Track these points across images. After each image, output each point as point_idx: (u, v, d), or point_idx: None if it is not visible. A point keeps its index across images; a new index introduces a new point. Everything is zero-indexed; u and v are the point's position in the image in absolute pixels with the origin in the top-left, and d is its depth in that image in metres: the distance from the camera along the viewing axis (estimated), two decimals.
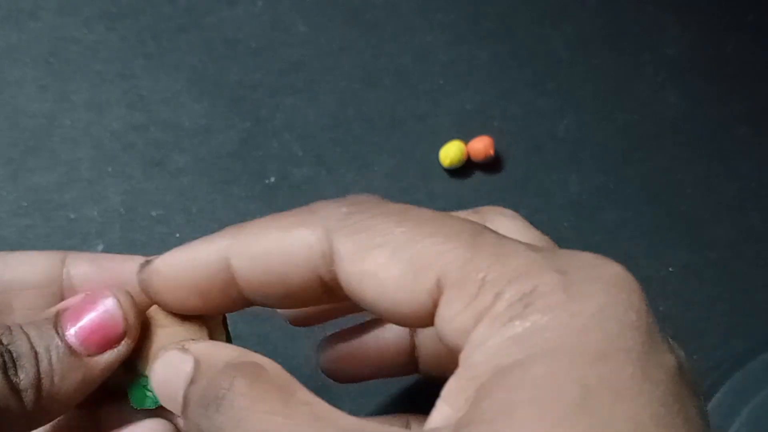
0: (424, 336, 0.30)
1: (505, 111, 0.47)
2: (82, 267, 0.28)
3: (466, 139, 0.45)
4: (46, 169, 0.43)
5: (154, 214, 0.43)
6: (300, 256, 0.23)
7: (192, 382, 0.24)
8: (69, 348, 0.25)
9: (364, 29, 0.49)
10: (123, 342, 0.26)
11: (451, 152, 0.45)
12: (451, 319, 0.20)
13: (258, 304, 0.26)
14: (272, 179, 0.44)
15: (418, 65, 0.48)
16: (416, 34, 0.49)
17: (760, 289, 0.44)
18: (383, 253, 0.21)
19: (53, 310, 0.26)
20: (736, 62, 0.50)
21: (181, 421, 0.27)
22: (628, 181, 0.46)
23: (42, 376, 0.24)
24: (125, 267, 0.28)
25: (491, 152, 0.45)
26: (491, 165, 0.46)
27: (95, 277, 0.28)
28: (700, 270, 0.45)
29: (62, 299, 0.27)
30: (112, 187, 0.43)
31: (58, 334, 0.25)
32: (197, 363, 0.24)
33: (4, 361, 0.24)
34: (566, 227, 0.45)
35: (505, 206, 0.45)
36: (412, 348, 0.31)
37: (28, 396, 0.24)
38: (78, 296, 0.27)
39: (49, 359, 0.25)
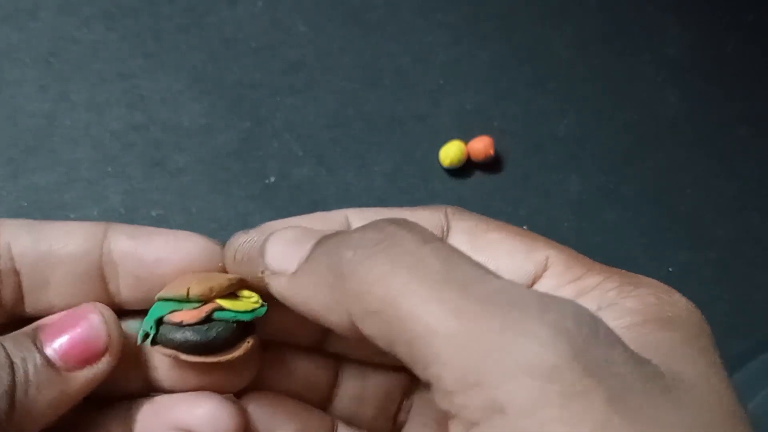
0: None
1: (505, 111, 0.47)
2: (123, 241, 0.26)
3: (466, 139, 0.45)
4: (46, 169, 0.43)
5: (154, 214, 0.43)
6: (424, 224, 0.24)
7: (334, 234, 0.22)
8: (47, 360, 0.24)
9: (364, 29, 0.49)
10: (104, 358, 0.24)
11: (451, 152, 0.45)
12: (554, 288, 0.23)
13: None
14: (272, 179, 0.44)
15: (418, 65, 0.48)
16: (416, 34, 0.49)
17: (760, 289, 0.44)
18: (498, 234, 0.25)
19: (32, 325, 0.25)
20: (736, 62, 0.50)
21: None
22: (628, 181, 0.46)
23: (17, 386, 0.23)
24: (167, 243, 0.26)
25: (491, 152, 0.45)
26: (491, 165, 0.46)
27: (136, 252, 0.26)
28: (700, 270, 0.45)
29: (101, 275, 0.26)
30: (112, 187, 0.43)
31: (36, 346, 0.24)
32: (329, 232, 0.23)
33: None
34: (566, 227, 0.45)
35: (505, 206, 0.45)
36: None
37: (1, 406, 0.23)
38: (59, 314, 0.25)
39: (26, 370, 0.23)
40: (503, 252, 0.24)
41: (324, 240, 0.22)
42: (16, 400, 0.23)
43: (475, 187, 0.45)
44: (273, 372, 0.27)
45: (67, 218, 0.42)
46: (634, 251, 0.45)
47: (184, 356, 0.24)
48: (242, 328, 0.24)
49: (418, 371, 0.20)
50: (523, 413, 0.18)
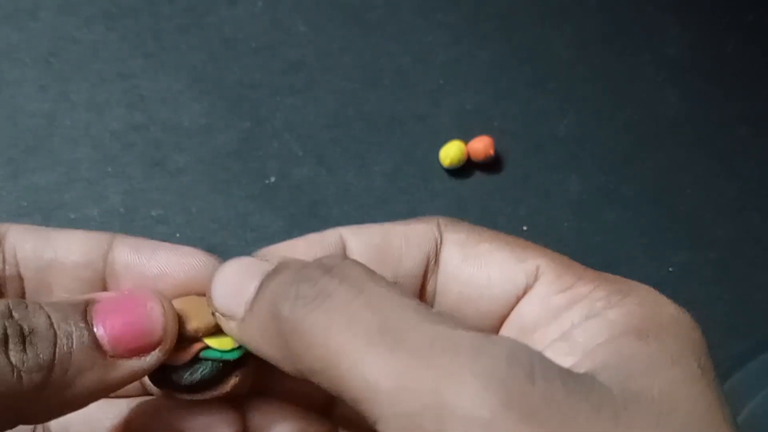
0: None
1: (505, 111, 0.47)
2: (126, 254, 0.25)
3: (466, 139, 0.45)
4: (46, 169, 0.43)
5: (154, 214, 0.43)
6: (416, 238, 0.26)
7: (274, 273, 0.22)
8: (95, 341, 0.22)
9: (364, 29, 0.49)
10: (155, 351, 0.23)
11: (451, 152, 0.45)
12: (544, 298, 0.24)
13: None
14: (272, 179, 0.44)
15: (418, 65, 0.48)
16: (416, 34, 0.49)
17: (760, 289, 0.44)
18: (489, 244, 0.25)
19: (84, 296, 0.24)
20: (736, 62, 0.50)
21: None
22: (628, 181, 0.46)
23: (56, 363, 0.21)
24: (169, 257, 0.25)
25: (491, 152, 0.45)
26: (491, 165, 0.46)
27: (139, 266, 0.25)
28: (700, 270, 0.45)
29: (103, 286, 0.25)
30: (112, 187, 0.43)
31: (85, 323, 0.22)
32: (282, 262, 0.23)
33: (6, 336, 0.21)
34: (566, 227, 0.45)
35: (505, 206, 0.45)
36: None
37: (33, 379, 0.21)
38: (117, 291, 0.24)
39: (70, 346, 0.22)
40: (494, 262, 0.25)
41: (265, 283, 0.22)
42: (52, 378, 0.21)
43: (475, 187, 0.45)
44: (273, 377, 0.26)
45: (67, 218, 0.42)
46: (634, 251, 0.45)
47: (178, 395, 0.24)
48: (231, 364, 0.24)
49: (371, 423, 0.20)
50: None
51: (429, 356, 0.19)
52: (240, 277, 0.23)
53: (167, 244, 0.26)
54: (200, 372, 0.24)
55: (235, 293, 0.23)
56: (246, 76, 0.47)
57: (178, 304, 0.25)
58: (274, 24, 0.48)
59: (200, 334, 0.24)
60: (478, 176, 0.46)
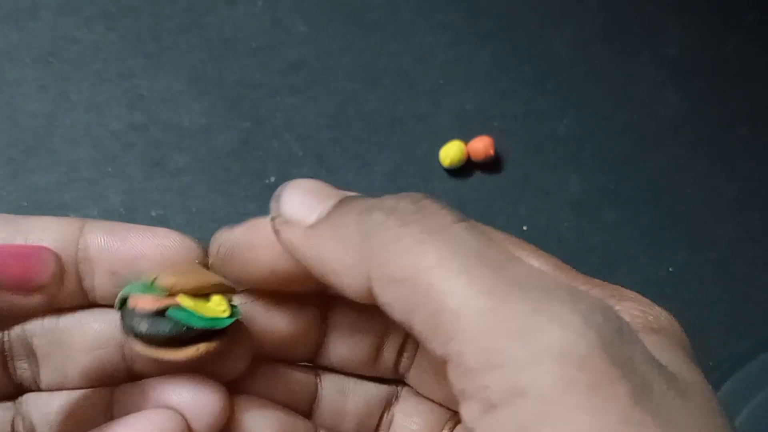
0: None
1: (505, 111, 0.47)
2: (99, 237, 0.25)
3: (466, 139, 0.45)
4: (46, 169, 0.43)
5: (154, 214, 0.43)
6: None
7: (348, 198, 0.22)
8: None
9: (364, 29, 0.49)
10: (39, 295, 0.22)
11: (451, 152, 0.45)
12: None
13: None
14: (272, 179, 0.44)
15: (418, 65, 0.48)
16: (416, 34, 0.49)
17: (760, 289, 0.44)
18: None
19: None
20: (736, 62, 0.50)
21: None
22: (628, 181, 0.46)
23: None
24: (143, 240, 0.25)
25: (491, 152, 0.45)
26: (491, 165, 0.46)
27: (113, 248, 0.25)
28: (700, 270, 0.45)
29: (76, 271, 0.25)
30: (112, 187, 0.43)
31: None
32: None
33: None
34: (566, 227, 0.45)
35: (505, 206, 0.45)
36: None
37: None
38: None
39: None
40: None
41: (349, 200, 0.22)
42: None
43: (475, 187, 0.45)
44: (253, 382, 0.26)
45: None
46: (634, 251, 0.45)
47: (135, 343, 0.23)
48: (200, 332, 0.23)
49: (436, 345, 0.19)
50: (546, 399, 0.17)
51: (528, 288, 0.19)
52: (318, 190, 0.23)
53: (140, 226, 0.25)
54: (160, 327, 0.23)
55: (308, 201, 0.22)
56: (246, 76, 0.47)
57: (174, 265, 0.24)
58: (274, 24, 0.48)
59: (177, 289, 0.23)
60: (478, 176, 0.46)
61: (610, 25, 0.50)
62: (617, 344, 0.18)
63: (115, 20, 0.47)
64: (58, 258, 0.23)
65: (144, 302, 0.23)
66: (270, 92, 0.46)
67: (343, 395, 0.27)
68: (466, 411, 0.19)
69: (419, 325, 0.19)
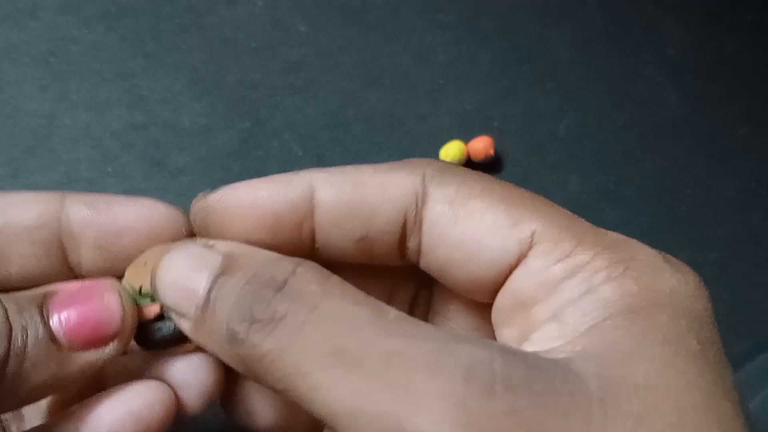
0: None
1: (505, 111, 0.47)
2: (81, 211, 0.24)
3: (466, 139, 0.45)
4: (46, 169, 0.43)
5: None
6: (393, 192, 0.24)
7: (223, 273, 0.21)
8: (50, 334, 0.22)
9: (364, 29, 0.49)
10: (113, 343, 0.23)
11: (451, 152, 0.45)
12: (540, 270, 0.22)
13: (320, 257, 0.24)
14: None
15: (418, 65, 0.48)
16: (416, 34, 0.49)
17: (760, 289, 0.44)
18: (482, 203, 0.23)
19: (41, 290, 0.23)
20: (736, 62, 0.50)
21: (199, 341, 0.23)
22: (628, 181, 0.46)
23: (10, 357, 0.21)
24: (128, 212, 0.24)
25: (491, 152, 0.45)
26: (491, 165, 0.46)
27: (97, 222, 0.24)
28: (700, 270, 0.44)
29: (60, 246, 0.24)
30: (112, 187, 0.43)
31: (41, 316, 0.22)
32: (229, 256, 0.22)
33: None
34: None
35: None
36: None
37: None
38: (74, 283, 0.24)
39: (24, 340, 0.21)
40: (485, 227, 0.23)
41: (216, 291, 0.21)
42: (7, 373, 0.21)
43: None
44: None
45: None
46: None
47: (141, 348, 0.24)
48: None
49: None
50: None
51: (386, 376, 0.19)
52: (187, 271, 0.22)
53: (123, 197, 0.25)
54: (162, 331, 0.24)
55: (183, 290, 0.22)
56: (246, 76, 0.47)
57: (143, 257, 0.24)
58: (274, 24, 0.48)
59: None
60: None
61: (610, 25, 0.50)
62: (486, 407, 0.18)
63: (115, 20, 0.47)
64: (124, 297, 0.23)
65: (145, 312, 0.24)
66: (270, 92, 0.46)
67: None
68: None
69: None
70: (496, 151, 0.45)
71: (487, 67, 0.48)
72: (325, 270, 0.21)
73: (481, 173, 0.24)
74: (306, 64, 0.47)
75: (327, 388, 0.19)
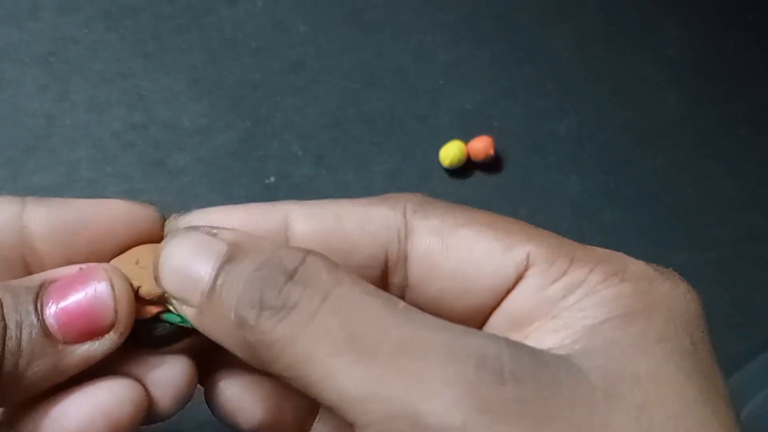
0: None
1: (505, 111, 0.47)
2: (41, 213, 0.24)
3: (466, 139, 0.45)
4: (46, 169, 0.43)
5: None
6: (373, 227, 0.24)
7: (229, 259, 0.21)
8: (45, 329, 0.21)
9: (364, 29, 0.49)
10: (108, 335, 0.22)
11: (451, 152, 0.45)
12: (538, 289, 0.22)
13: None
14: (272, 179, 0.44)
15: (418, 65, 0.48)
16: (416, 34, 0.49)
17: (760, 289, 0.44)
18: (470, 231, 0.23)
19: (37, 278, 0.22)
20: (736, 62, 0.50)
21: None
22: (628, 181, 0.46)
23: (5, 355, 0.21)
24: (87, 213, 0.24)
25: (491, 152, 0.45)
26: (491, 165, 0.46)
27: (55, 224, 0.24)
28: (700, 270, 0.45)
29: (24, 265, 0.23)
30: (112, 187, 0.43)
31: (36, 309, 0.21)
32: (234, 244, 0.21)
33: None
34: (566, 227, 0.45)
35: (505, 206, 0.45)
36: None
37: None
38: (70, 268, 0.23)
39: (19, 337, 0.21)
40: (479, 254, 0.23)
41: (224, 276, 0.21)
42: (3, 371, 0.21)
43: (475, 187, 0.45)
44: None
45: None
46: (634, 251, 0.44)
47: (135, 347, 0.23)
48: (187, 329, 0.23)
49: (342, 418, 0.20)
50: None
51: (398, 363, 0.19)
52: (191, 258, 0.22)
53: (85, 202, 0.25)
54: (157, 331, 0.23)
55: (187, 277, 0.22)
56: (246, 76, 0.47)
57: (132, 255, 0.24)
58: (274, 24, 0.48)
59: (153, 297, 0.23)
60: (478, 176, 0.46)
61: (610, 25, 0.50)
62: (496, 395, 0.19)
63: (115, 20, 0.47)
64: (117, 285, 0.22)
65: (144, 312, 0.23)
66: (270, 92, 0.46)
67: None
68: None
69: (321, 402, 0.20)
70: (496, 151, 0.45)
71: (487, 67, 0.48)
72: (332, 260, 0.21)
73: (460, 205, 0.24)
74: (306, 64, 0.47)
75: (339, 374, 0.19)
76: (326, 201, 0.25)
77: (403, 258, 0.24)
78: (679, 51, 0.50)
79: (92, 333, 0.22)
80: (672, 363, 0.20)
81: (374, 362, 0.19)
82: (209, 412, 0.25)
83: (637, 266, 0.23)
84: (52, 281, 0.22)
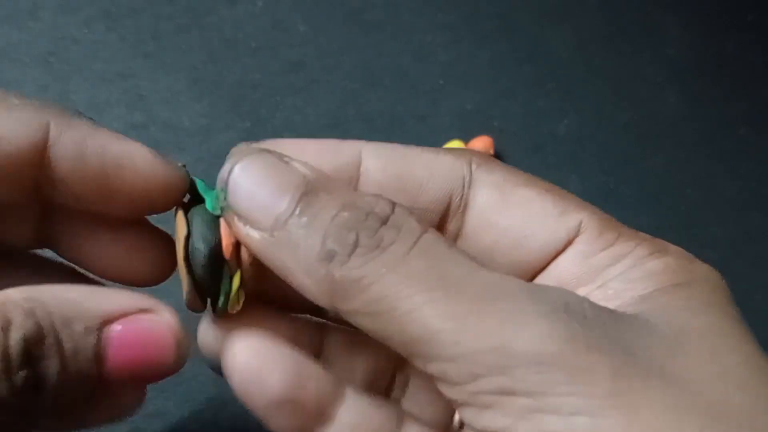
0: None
1: (505, 111, 0.47)
2: (73, 133, 0.24)
3: (466, 139, 0.45)
4: None
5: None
6: (441, 171, 0.24)
7: (310, 193, 0.21)
8: (99, 368, 0.21)
9: (364, 29, 0.49)
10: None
11: None
12: (587, 255, 0.23)
13: None
14: None
15: (418, 65, 0.48)
16: (416, 34, 0.49)
17: (760, 289, 0.44)
18: (530, 191, 0.24)
19: (102, 311, 0.21)
20: (736, 62, 0.50)
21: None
22: (628, 181, 0.46)
23: (55, 387, 0.20)
24: (120, 146, 0.25)
25: (491, 152, 0.45)
26: None
27: (85, 146, 0.24)
28: None
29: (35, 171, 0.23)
30: None
31: (95, 348, 0.21)
32: (311, 178, 0.22)
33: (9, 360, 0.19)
34: None
35: None
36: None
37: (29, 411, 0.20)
38: (131, 301, 0.22)
39: (70, 372, 0.20)
40: (534, 214, 0.24)
41: (308, 209, 0.21)
42: (45, 399, 0.20)
43: None
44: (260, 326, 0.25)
45: None
46: None
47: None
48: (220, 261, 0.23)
49: (418, 365, 0.21)
50: (534, 393, 0.19)
51: (489, 300, 0.20)
52: (267, 181, 0.22)
53: (112, 133, 0.26)
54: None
55: (261, 200, 0.21)
56: (246, 76, 0.47)
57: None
58: (274, 24, 0.48)
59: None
60: None
61: (610, 25, 0.50)
62: (585, 330, 0.20)
63: (115, 20, 0.47)
64: (182, 342, 0.22)
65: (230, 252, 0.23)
66: (270, 92, 0.46)
67: (350, 355, 0.26)
68: (463, 413, 0.20)
69: (397, 348, 0.21)
70: (496, 151, 0.45)
71: (487, 67, 0.48)
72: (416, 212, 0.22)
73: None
74: (306, 64, 0.47)
75: (428, 308, 0.20)
76: (395, 144, 0.25)
77: (464, 206, 0.24)
78: (679, 51, 0.50)
79: (139, 381, 0.22)
80: (727, 323, 0.22)
81: (463, 298, 0.20)
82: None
83: (676, 248, 0.24)
84: (115, 318, 0.21)
